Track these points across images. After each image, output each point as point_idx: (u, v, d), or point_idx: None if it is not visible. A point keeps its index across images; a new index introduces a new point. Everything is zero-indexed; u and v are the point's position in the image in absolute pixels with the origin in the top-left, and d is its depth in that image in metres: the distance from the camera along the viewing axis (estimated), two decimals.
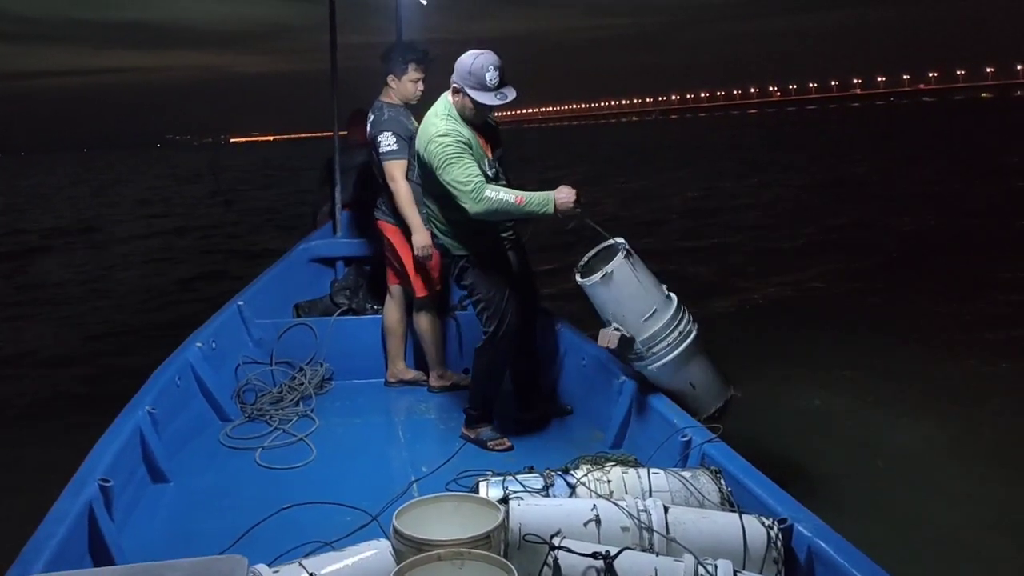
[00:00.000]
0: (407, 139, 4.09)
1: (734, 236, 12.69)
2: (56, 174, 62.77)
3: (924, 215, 13.15)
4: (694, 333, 3.26)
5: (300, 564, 2.09)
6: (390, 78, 4.22)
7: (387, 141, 4.09)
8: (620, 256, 3.19)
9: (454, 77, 3.38)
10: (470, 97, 3.33)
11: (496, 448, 3.56)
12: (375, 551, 2.14)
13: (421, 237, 4.01)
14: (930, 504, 4.03)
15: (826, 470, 4.35)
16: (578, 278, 3.26)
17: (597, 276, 3.20)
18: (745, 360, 6.27)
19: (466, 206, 3.29)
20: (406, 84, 4.22)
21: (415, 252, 4.08)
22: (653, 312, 3.21)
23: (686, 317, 3.28)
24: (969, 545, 3.67)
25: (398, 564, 1.96)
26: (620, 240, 3.26)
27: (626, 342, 3.21)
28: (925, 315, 7.36)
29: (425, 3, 5.57)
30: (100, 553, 2.44)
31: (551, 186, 3.33)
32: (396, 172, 4.09)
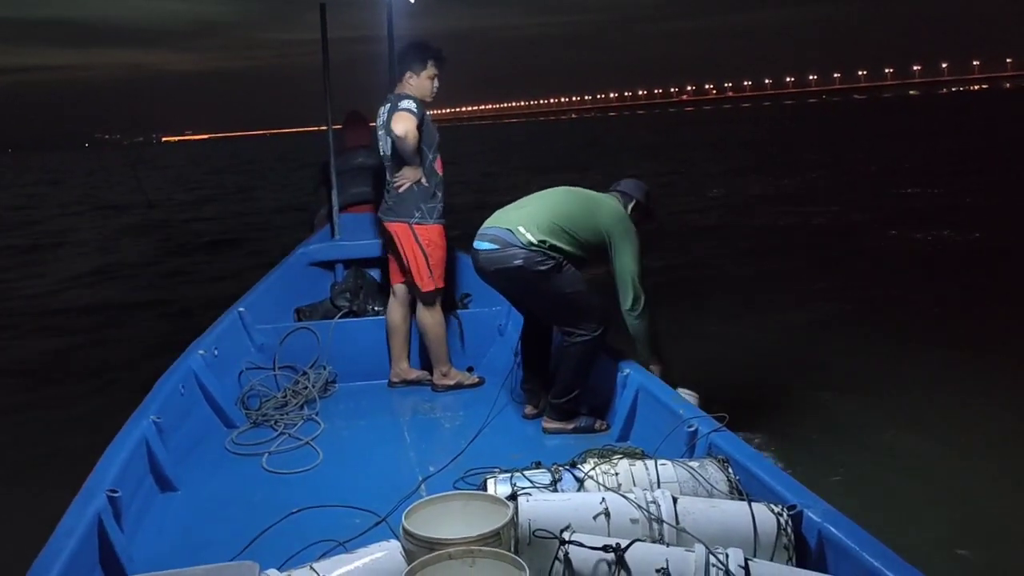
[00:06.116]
0: (422, 116, 4.09)
1: (730, 223, 12.72)
2: None
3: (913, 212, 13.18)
4: None
5: (311, 568, 2.08)
6: (408, 75, 4.23)
7: (407, 103, 4.08)
8: None
9: None
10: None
11: (601, 428, 3.65)
12: (385, 552, 2.14)
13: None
14: (940, 488, 4.04)
15: (835, 455, 4.36)
16: None
17: None
18: (750, 348, 6.30)
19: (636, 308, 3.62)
20: (424, 80, 4.23)
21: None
22: None
23: None
24: (978, 527, 3.68)
25: (409, 564, 1.96)
26: None
27: None
28: (935, 302, 7.36)
29: (413, 1, 5.56)
30: (111, 565, 2.44)
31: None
32: (407, 121, 4.00)
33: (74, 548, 2.25)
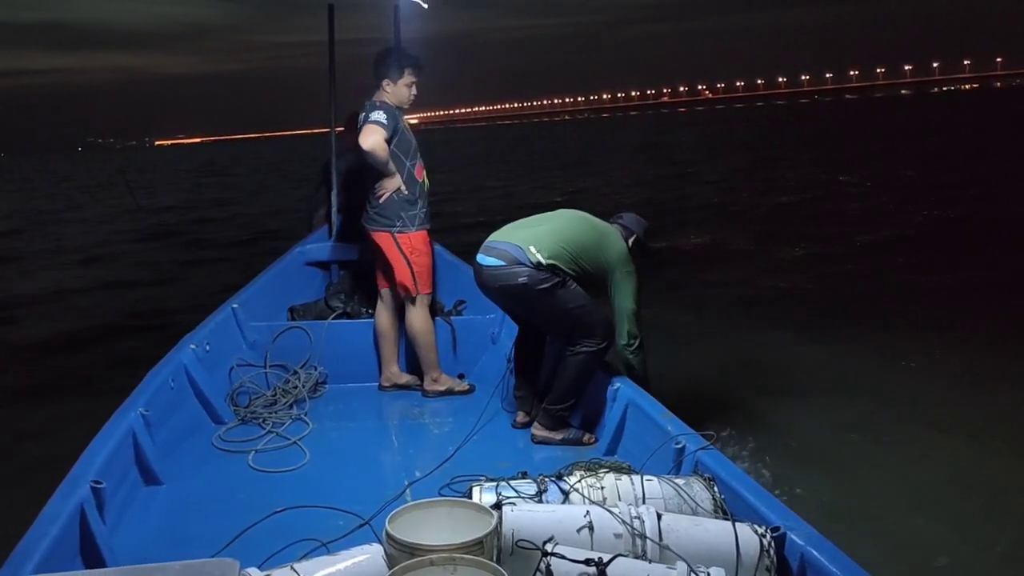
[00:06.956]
0: (394, 127, 4.08)
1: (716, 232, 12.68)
2: None
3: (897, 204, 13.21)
4: None
5: (292, 568, 2.08)
6: (385, 82, 4.21)
7: (377, 115, 4.05)
8: None
9: None
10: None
11: (589, 442, 3.64)
12: (367, 555, 2.13)
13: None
14: (924, 514, 4.03)
15: (819, 478, 4.35)
16: None
17: None
18: (741, 366, 6.30)
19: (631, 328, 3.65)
20: (401, 88, 4.22)
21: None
22: None
23: None
24: (962, 555, 3.67)
25: (390, 569, 1.96)
26: None
27: None
28: (925, 319, 7.35)
29: (426, 6, 5.58)
30: (91, 555, 2.43)
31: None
32: (375, 135, 3.99)
33: (55, 537, 2.24)
